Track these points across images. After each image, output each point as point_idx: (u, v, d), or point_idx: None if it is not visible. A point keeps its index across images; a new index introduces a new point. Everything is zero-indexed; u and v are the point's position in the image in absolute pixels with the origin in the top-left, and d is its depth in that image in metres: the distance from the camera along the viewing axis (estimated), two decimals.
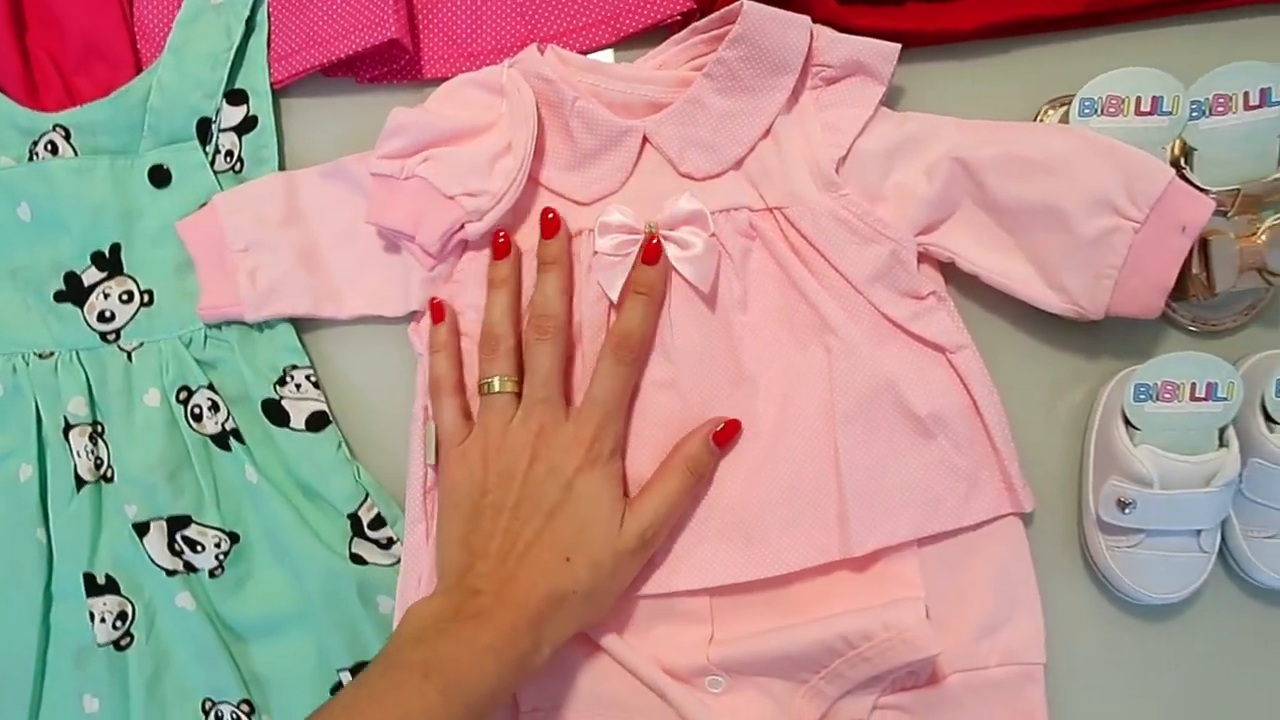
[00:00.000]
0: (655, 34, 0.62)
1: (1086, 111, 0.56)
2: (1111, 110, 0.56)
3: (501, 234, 0.60)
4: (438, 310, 0.60)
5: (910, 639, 0.55)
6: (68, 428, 0.62)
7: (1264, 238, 0.55)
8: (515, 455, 0.56)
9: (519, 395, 0.58)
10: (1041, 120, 0.60)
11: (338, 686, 0.61)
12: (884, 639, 0.55)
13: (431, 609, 0.53)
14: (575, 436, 0.56)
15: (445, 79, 0.63)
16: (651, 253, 0.58)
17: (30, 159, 0.63)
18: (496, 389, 0.58)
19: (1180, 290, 0.57)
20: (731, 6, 0.58)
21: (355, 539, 0.62)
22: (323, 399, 0.63)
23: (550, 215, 0.59)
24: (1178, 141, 0.56)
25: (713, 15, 0.59)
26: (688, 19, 0.62)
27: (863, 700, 0.58)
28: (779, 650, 0.57)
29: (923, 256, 0.59)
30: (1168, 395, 0.56)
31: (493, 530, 0.55)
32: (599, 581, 0.55)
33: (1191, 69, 0.56)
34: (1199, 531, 0.56)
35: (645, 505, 0.57)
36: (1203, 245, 0.56)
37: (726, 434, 0.58)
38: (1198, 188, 0.55)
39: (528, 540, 0.55)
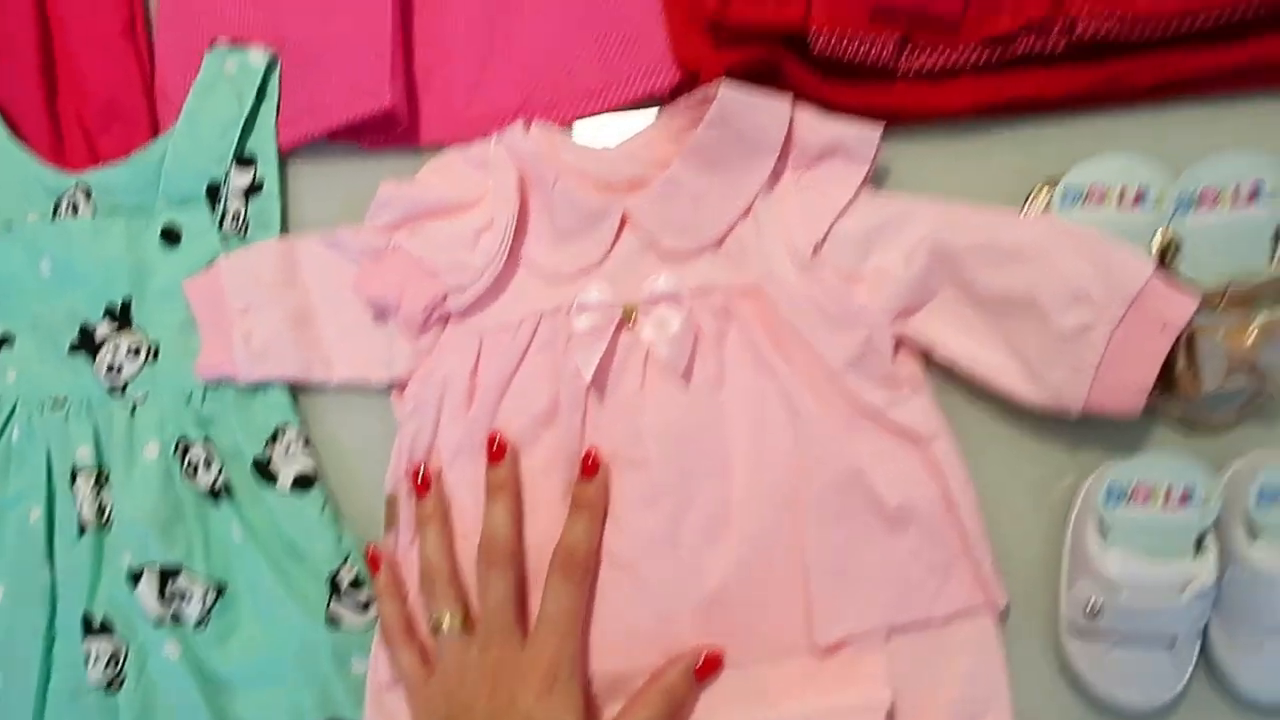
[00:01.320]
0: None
1: (1070, 201, 0.55)
2: (1095, 201, 0.54)
3: (421, 473, 0.61)
4: (374, 561, 0.61)
5: None
6: (74, 474, 0.65)
7: (1253, 338, 0.52)
8: (475, 688, 0.55)
9: (466, 620, 0.58)
10: (1036, 198, 0.58)
11: None
12: None
13: None
14: (532, 661, 0.55)
15: (443, 145, 0.65)
16: (590, 469, 0.58)
17: (55, 214, 0.67)
18: (445, 626, 0.58)
19: (1169, 385, 0.55)
20: (710, 86, 0.58)
21: (334, 599, 0.63)
22: (311, 459, 0.64)
23: (496, 443, 0.59)
24: (1167, 231, 0.54)
25: (693, 93, 0.59)
26: (678, 90, 0.62)
27: None
28: None
29: (900, 343, 0.58)
30: (1142, 498, 0.53)
31: None
32: None
33: (1190, 151, 0.54)
34: (1174, 639, 0.54)
35: None
36: (1189, 341, 0.53)
37: (709, 667, 0.57)
38: (1190, 279, 0.53)
39: None
